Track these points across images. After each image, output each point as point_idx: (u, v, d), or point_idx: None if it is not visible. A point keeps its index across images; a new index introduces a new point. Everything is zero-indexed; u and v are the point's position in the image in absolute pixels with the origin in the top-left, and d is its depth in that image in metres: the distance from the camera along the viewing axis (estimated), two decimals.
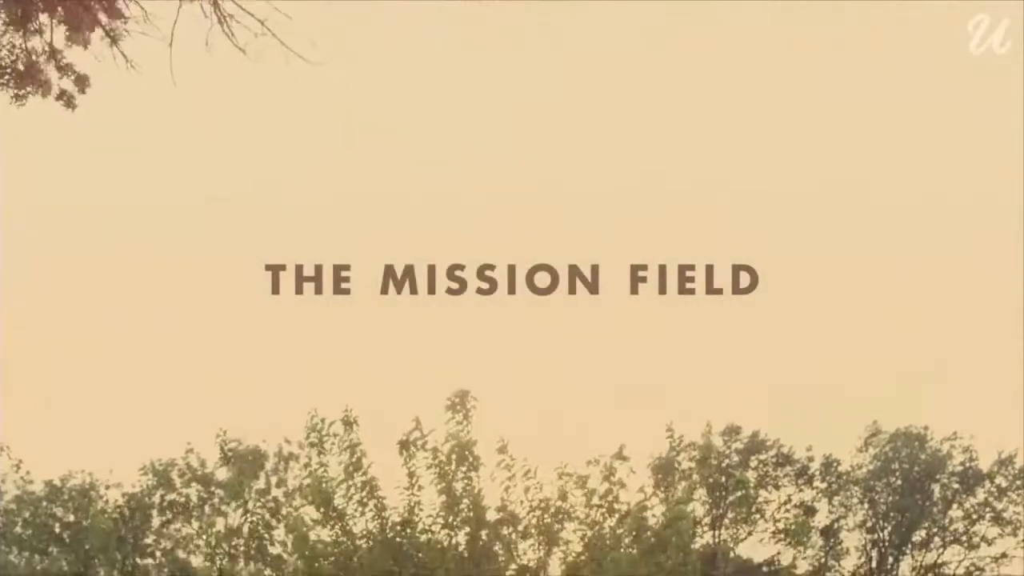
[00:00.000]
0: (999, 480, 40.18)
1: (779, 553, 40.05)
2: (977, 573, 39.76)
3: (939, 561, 41.23)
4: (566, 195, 48.10)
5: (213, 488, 35.46)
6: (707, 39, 51.12)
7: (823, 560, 40.36)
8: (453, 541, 19.14)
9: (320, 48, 10.24)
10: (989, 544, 40.49)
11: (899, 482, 40.23)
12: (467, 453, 19.22)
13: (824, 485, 39.98)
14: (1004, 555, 40.27)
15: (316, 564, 19.69)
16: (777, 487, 39.57)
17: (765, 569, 40.31)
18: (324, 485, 19.49)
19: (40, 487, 35.62)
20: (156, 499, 36.09)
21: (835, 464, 40.10)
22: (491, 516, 19.39)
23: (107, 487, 36.14)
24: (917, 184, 49.56)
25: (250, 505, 31.84)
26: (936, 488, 40.54)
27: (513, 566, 19.39)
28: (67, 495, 35.44)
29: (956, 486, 40.30)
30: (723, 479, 38.03)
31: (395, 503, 19.76)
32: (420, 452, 19.54)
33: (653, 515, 19.55)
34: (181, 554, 34.96)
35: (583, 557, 19.14)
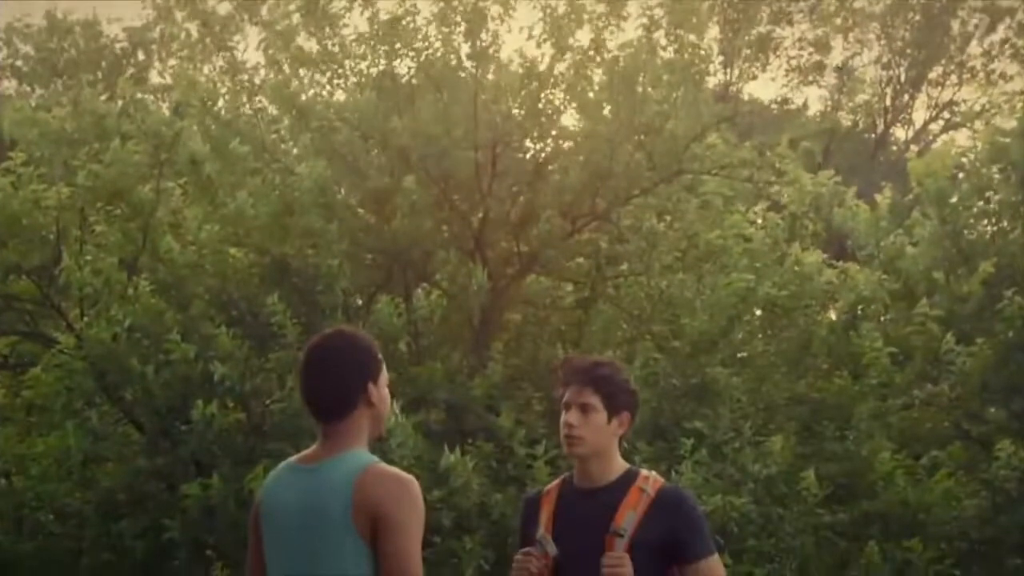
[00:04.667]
0: (1020, 16, 39.06)
1: (791, 91, 39.67)
2: (992, 110, 39.18)
3: (954, 99, 40.76)
4: None
5: (216, 27, 34.48)
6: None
7: (836, 98, 39.85)
8: (454, 44, 17.90)
9: None
10: (1007, 81, 39.82)
11: (917, 17, 39.13)
12: None
13: (839, 21, 38.83)
14: (1021, 92, 39.62)
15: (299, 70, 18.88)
16: (791, 23, 38.44)
17: (775, 109, 39.98)
18: None
19: (41, 20, 34.93)
20: (156, 34, 35.43)
21: None
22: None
23: (108, 21, 35.51)
24: None
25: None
26: (955, 24, 39.47)
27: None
28: (68, 28, 34.69)
29: (976, 21, 39.21)
30: (736, 15, 37.05)
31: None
32: None
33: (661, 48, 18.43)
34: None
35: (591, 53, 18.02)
